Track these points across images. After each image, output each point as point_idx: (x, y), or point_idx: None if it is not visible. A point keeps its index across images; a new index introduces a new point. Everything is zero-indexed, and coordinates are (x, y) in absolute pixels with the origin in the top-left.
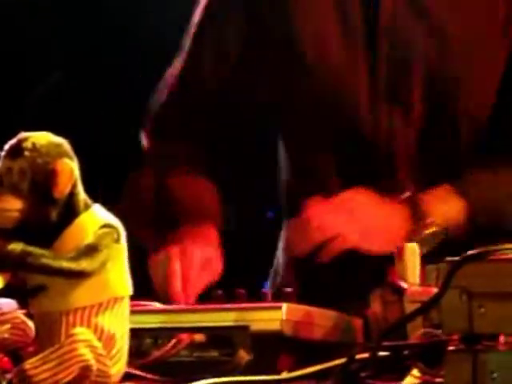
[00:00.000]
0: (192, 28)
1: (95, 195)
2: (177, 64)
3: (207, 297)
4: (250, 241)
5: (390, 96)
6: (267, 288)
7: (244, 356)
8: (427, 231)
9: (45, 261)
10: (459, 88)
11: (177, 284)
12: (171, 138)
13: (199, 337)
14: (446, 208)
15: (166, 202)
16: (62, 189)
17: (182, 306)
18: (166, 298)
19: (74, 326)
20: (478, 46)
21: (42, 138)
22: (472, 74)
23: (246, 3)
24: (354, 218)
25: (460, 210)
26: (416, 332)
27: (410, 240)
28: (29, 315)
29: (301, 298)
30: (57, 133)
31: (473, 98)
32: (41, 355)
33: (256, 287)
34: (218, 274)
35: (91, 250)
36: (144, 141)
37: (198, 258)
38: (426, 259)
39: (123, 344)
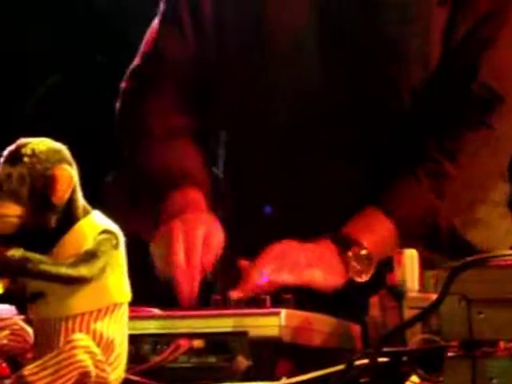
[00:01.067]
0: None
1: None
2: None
3: (206, 302)
4: None
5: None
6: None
7: (243, 362)
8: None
9: (44, 267)
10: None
11: (179, 259)
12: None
13: (198, 343)
14: (375, 234)
15: (146, 174)
16: (61, 195)
17: (181, 312)
18: (167, 279)
19: (73, 331)
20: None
21: (41, 144)
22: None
23: None
24: (295, 265)
25: (390, 230)
26: (415, 338)
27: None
28: (28, 321)
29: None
30: (56, 137)
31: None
32: (40, 361)
33: None
34: (221, 244)
35: (90, 256)
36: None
37: (201, 231)
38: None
39: (122, 350)
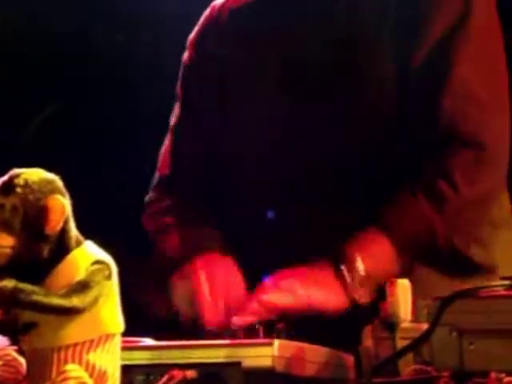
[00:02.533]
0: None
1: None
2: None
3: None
4: None
5: None
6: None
7: None
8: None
9: (36, 297)
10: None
11: (206, 296)
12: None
13: (191, 373)
14: (371, 251)
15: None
16: (53, 225)
17: (174, 343)
18: (191, 315)
19: (65, 362)
20: None
21: (33, 174)
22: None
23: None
24: (292, 289)
25: (388, 249)
26: (407, 368)
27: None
28: (20, 352)
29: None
30: (51, 167)
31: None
32: None
33: None
34: (242, 287)
35: (83, 286)
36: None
37: (222, 270)
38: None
39: (115, 381)
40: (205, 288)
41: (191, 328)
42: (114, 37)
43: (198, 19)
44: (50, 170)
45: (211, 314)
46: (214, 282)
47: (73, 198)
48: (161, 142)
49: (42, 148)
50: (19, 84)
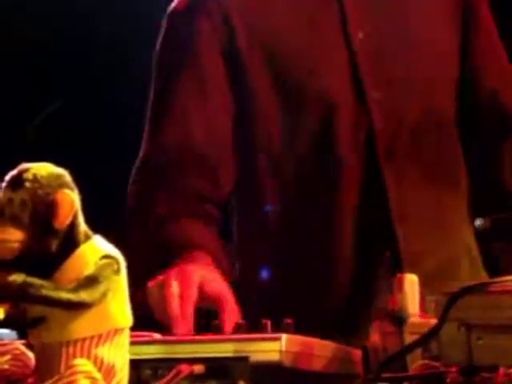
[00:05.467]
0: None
1: (96, 226)
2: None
3: (206, 327)
4: None
5: None
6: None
7: None
8: None
9: (45, 292)
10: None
11: (174, 304)
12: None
13: (199, 368)
14: None
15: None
16: (62, 220)
17: (182, 337)
18: (164, 322)
19: (73, 357)
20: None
21: (42, 168)
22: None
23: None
24: None
25: None
26: (416, 363)
27: None
28: (29, 346)
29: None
30: (57, 162)
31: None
32: None
33: None
34: (218, 291)
35: (91, 281)
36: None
37: (197, 276)
38: None
39: (123, 375)
40: (174, 299)
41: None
42: (115, 34)
43: None
44: (55, 165)
45: (179, 326)
46: (184, 291)
47: (81, 192)
48: None
49: (46, 145)
50: (21, 82)
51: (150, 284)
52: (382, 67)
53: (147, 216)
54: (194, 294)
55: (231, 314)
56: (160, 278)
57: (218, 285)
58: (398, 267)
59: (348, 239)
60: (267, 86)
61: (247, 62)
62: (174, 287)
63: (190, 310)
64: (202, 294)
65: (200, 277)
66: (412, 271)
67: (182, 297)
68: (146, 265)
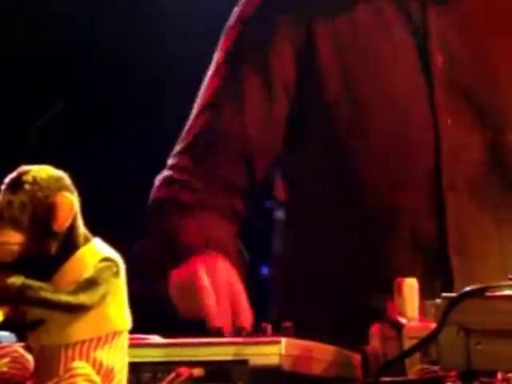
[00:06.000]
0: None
1: (95, 228)
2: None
3: (207, 331)
4: None
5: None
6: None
7: None
8: None
9: (44, 294)
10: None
11: (210, 299)
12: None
13: (198, 371)
14: None
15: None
16: (62, 222)
17: (181, 340)
18: (192, 315)
19: (72, 359)
20: None
21: (42, 171)
22: None
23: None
24: None
25: None
26: (415, 368)
27: None
28: (28, 349)
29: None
30: (59, 164)
31: None
32: None
33: None
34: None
35: (90, 283)
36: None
37: (225, 270)
38: None
39: (122, 378)
40: (210, 294)
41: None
42: (117, 34)
43: (199, 16)
44: (56, 168)
45: (219, 321)
46: (217, 286)
47: (80, 195)
48: (163, 142)
49: (48, 147)
50: (22, 84)
51: (175, 277)
52: (456, 95)
53: (170, 202)
54: (227, 290)
55: (246, 316)
56: (185, 269)
57: (237, 287)
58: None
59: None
60: (338, 83)
61: (322, 62)
62: (206, 281)
63: (227, 305)
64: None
65: (227, 272)
66: None
67: (217, 291)
68: (162, 258)
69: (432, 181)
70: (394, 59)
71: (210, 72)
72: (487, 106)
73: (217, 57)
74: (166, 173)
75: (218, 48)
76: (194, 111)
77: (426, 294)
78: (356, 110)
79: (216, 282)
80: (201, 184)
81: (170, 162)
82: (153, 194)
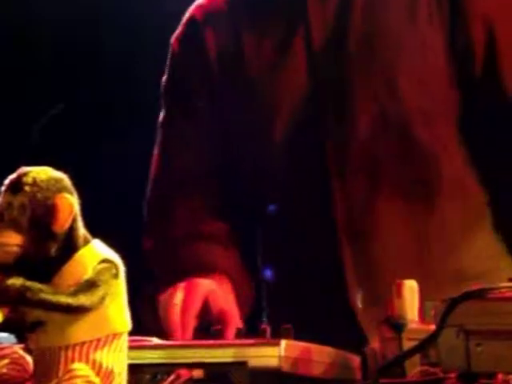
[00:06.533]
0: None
1: (95, 230)
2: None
3: (206, 333)
4: None
5: None
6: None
7: None
8: None
9: (43, 296)
10: None
11: (175, 313)
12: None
13: (197, 373)
14: None
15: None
16: (61, 224)
17: (181, 342)
18: (165, 330)
19: (72, 361)
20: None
21: (42, 172)
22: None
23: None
24: None
25: None
26: (414, 369)
27: None
28: (27, 350)
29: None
30: (57, 166)
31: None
32: None
33: None
34: (223, 307)
35: (90, 285)
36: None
37: (204, 288)
38: None
39: (121, 380)
40: (175, 308)
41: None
42: (118, 35)
43: None
44: (56, 169)
45: (177, 335)
46: (186, 301)
47: (80, 196)
48: None
49: (50, 148)
50: (22, 86)
51: (160, 295)
52: None
53: (165, 235)
54: (195, 305)
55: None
56: (169, 290)
57: (224, 300)
58: None
59: None
60: None
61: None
62: (178, 297)
63: (189, 320)
64: (208, 308)
65: (207, 291)
66: None
67: (183, 307)
68: (160, 283)
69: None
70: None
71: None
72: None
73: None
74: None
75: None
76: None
77: None
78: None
79: (188, 299)
80: (183, 221)
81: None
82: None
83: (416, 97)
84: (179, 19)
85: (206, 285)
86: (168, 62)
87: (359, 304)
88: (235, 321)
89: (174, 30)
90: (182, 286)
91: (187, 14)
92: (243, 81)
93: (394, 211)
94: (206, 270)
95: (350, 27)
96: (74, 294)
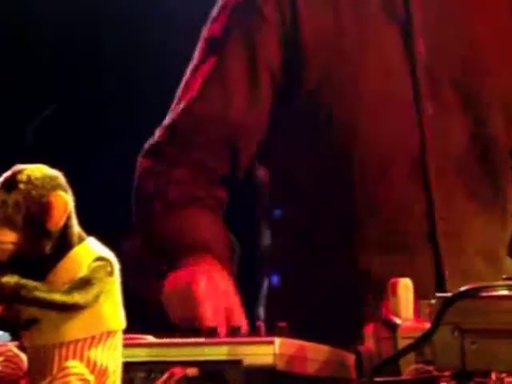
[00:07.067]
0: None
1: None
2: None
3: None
4: None
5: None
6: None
7: None
8: None
9: (38, 294)
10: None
11: (207, 311)
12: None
13: (192, 371)
14: None
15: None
16: (56, 221)
17: (175, 340)
18: (189, 323)
19: (66, 359)
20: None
21: (36, 170)
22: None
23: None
24: None
25: None
26: (409, 368)
27: None
28: (22, 348)
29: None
30: (52, 165)
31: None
32: None
33: None
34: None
35: (84, 283)
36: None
37: (222, 280)
38: None
39: (116, 378)
40: (207, 306)
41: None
42: (118, 35)
43: (203, 17)
44: (51, 167)
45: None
46: (214, 297)
47: (75, 194)
48: None
49: (45, 147)
50: (19, 84)
51: (170, 284)
52: (441, 83)
53: (157, 198)
54: (223, 301)
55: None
56: (183, 279)
57: (232, 297)
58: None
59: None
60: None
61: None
62: (204, 293)
63: (223, 318)
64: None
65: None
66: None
67: (214, 303)
68: (153, 260)
69: (418, 168)
70: (377, 48)
71: (193, 59)
72: (471, 97)
73: (200, 45)
74: (150, 159)
75: (202, 37)
76: (177, 97)
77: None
78: (337, 98)
79: (213, 292)
80: (186, 175)
81: (152, 146)
82: (139, 182)
83: None
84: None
85: (220, 276)
86: None
87: None
88: (239, 317)
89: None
90: (200, 277)
91: None
92: None
93: None
94: (198, 249)
95: None
96: (69, 291)
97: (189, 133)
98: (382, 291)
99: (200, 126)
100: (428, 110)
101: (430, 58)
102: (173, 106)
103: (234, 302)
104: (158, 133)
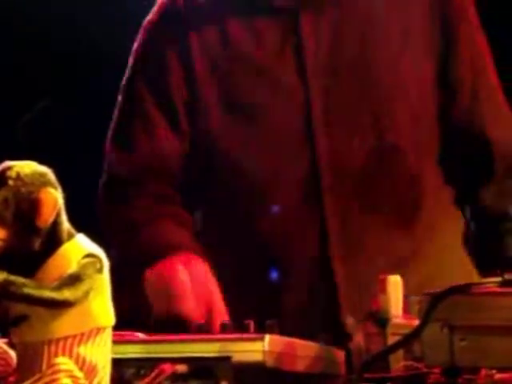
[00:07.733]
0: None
1: (79, 224)
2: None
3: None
4: None
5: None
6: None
7: None
8: None
9: (27, 290)
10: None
11: (188, 300)
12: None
13: (181, 367)
14: None
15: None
16: (45, 218)
17: (165, 337)
18: (167, 313)
19: (55, 355)
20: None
21: (26, 167)
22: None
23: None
24: None
25: None
26: (398, 364)
27: None
28: (11, 345)
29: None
30: (44, 161)
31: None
32: None
33: None
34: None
35: (74, 279)
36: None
37: (200, 269)
38: None
39: (105, 374)
40: (187, 291)
41: (162, 323)
42: (118, 35)
43: None
44: (42, 163)
45: (195, 318)
46: (194, 283)
47: (65, 191)
48: None
49: (36, 144)
50: (8, 80)
51: (150, 274)
52: (334, 101)
53: (123, 222)
54: (203, 290)
55: (220, 315)
56: (162, 266)
57: (212, 286)
58: None
59: None
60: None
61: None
62: (183, 282)
63: (203, 307)
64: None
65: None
66: None
67: (194, 292)
68: (132, 266)
69: (310, 185)
70: (265, 68)
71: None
72: (365, 110)
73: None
74: (112, 183)
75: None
76: (110, 143)
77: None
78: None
79: (192, 281)
80: (149, 202)
81: (111, 167)
82: (103, 206)
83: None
84: None
85: (199, 265)
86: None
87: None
88: (220, 307)
89: None
90: (179, 266)
91: None
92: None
93: None
94: (176, 247)
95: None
96: (58, 288)
97: (141, 170)
98: None
99: (139, 176)
100: (322, 126)
101: (322, 71)
102: (107, 151)
103: (213, 289)
104: (113, 151)
